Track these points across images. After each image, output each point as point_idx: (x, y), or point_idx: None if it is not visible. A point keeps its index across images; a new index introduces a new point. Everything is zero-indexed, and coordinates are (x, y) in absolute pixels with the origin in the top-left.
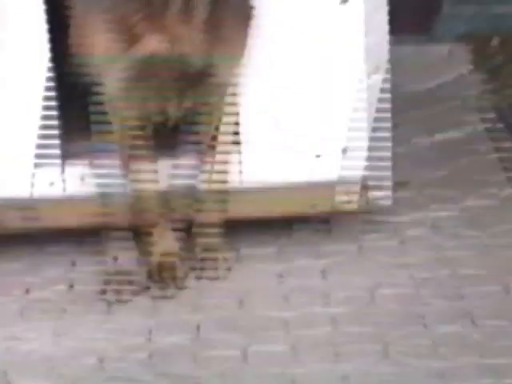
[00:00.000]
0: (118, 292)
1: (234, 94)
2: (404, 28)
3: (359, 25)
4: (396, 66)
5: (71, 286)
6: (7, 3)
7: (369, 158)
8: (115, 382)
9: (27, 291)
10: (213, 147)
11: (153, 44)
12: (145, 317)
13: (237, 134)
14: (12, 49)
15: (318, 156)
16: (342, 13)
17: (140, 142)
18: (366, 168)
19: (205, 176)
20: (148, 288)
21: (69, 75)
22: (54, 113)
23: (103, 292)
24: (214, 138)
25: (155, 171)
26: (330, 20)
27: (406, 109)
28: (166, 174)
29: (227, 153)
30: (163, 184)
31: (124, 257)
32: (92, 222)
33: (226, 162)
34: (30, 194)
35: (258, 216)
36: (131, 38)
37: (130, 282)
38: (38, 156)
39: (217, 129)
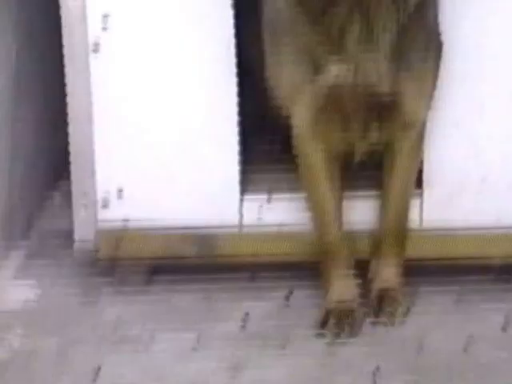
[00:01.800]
0: (339, 326)
1: (421, 132)
2: None
3: None
4: None
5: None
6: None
7: None
8: None
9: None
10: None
11: (337, 72)
12: (319, 360)
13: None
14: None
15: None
16: None
17: (326, 177)
18: None
19: (387, 215)
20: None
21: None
22: (237, 144)
23: (324, 324)
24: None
25: (340, 209)
26: None
27: None
28: (350, 212)
29: (409, 193)
30: (347, 223)
31: (345, 290)
32: (272, 256)
33: (407, 202)
34: (205, 225)
35: (439, 259)
36: (316, 67)
37: (351, 318)
38: (219, 189)
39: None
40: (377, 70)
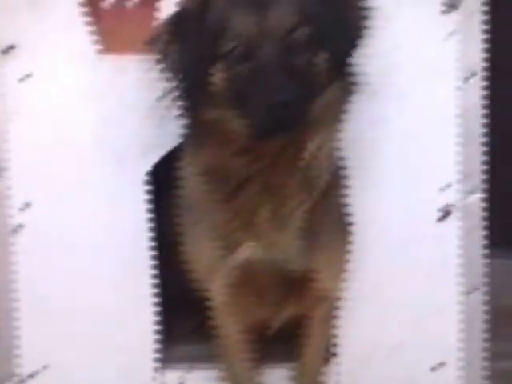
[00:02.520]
0: None
1: (333, 304)
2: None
3: (456, 242)
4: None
5: None
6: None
7: (466, 373)
8: None
9: None
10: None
11: (249, 251)
12: None
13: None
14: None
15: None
16: (439, 230)
17: (242, 348)
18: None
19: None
20: None
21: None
22: (155, 318)
23: None
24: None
25: (256, 379)
26: (427, 238)
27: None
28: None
29: (323, 363)
30: None
31: None
32: None
33: (321, 369)
34: None
35: None
36: (229, 246)
37: None
38: (135, 361)
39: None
40: (289, 249)
